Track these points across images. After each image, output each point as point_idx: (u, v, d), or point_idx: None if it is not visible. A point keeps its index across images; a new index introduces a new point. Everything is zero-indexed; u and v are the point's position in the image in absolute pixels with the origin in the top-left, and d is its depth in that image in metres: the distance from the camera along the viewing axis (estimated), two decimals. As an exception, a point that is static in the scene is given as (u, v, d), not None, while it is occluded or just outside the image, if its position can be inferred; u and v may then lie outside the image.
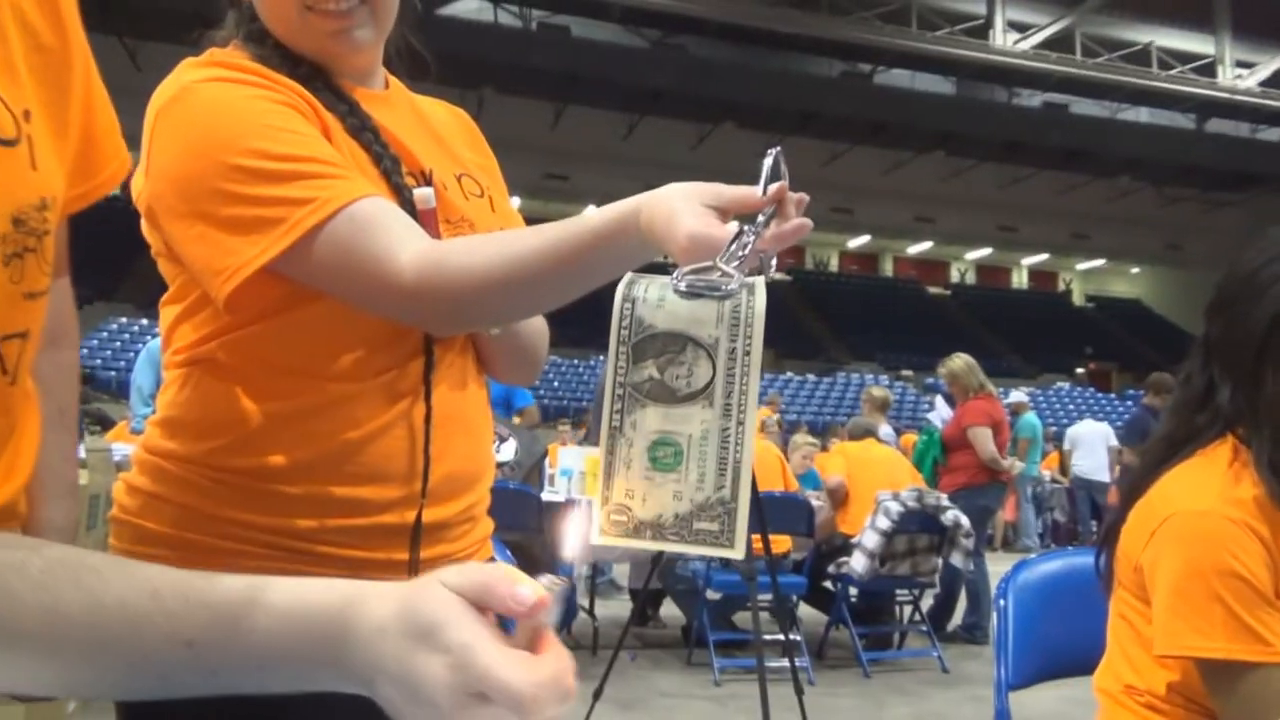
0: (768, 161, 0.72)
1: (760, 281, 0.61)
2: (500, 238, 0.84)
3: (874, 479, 4.80)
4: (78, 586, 0.48)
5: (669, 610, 5.27)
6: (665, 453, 0.58)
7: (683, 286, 0.60)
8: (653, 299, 0.60)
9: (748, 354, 0.58)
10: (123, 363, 17.06)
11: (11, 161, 0.61)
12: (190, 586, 0.49)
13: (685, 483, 0.58)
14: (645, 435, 0.59)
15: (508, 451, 4.20)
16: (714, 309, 0.59)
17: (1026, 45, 22.56)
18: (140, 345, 5.62)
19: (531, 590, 0.45)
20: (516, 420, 5.34)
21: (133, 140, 0.81)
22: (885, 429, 7.34)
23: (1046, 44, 22.66)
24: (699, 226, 0.69)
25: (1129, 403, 22.55)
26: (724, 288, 0.59)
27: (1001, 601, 1.46)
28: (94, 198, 0.75)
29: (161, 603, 0.48)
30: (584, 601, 4.90)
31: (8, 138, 0.61)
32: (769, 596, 3.80)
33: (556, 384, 20.35)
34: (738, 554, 0.58)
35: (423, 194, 0.93)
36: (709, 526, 0.58)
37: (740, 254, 0.63)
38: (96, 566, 0.49)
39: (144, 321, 19.85)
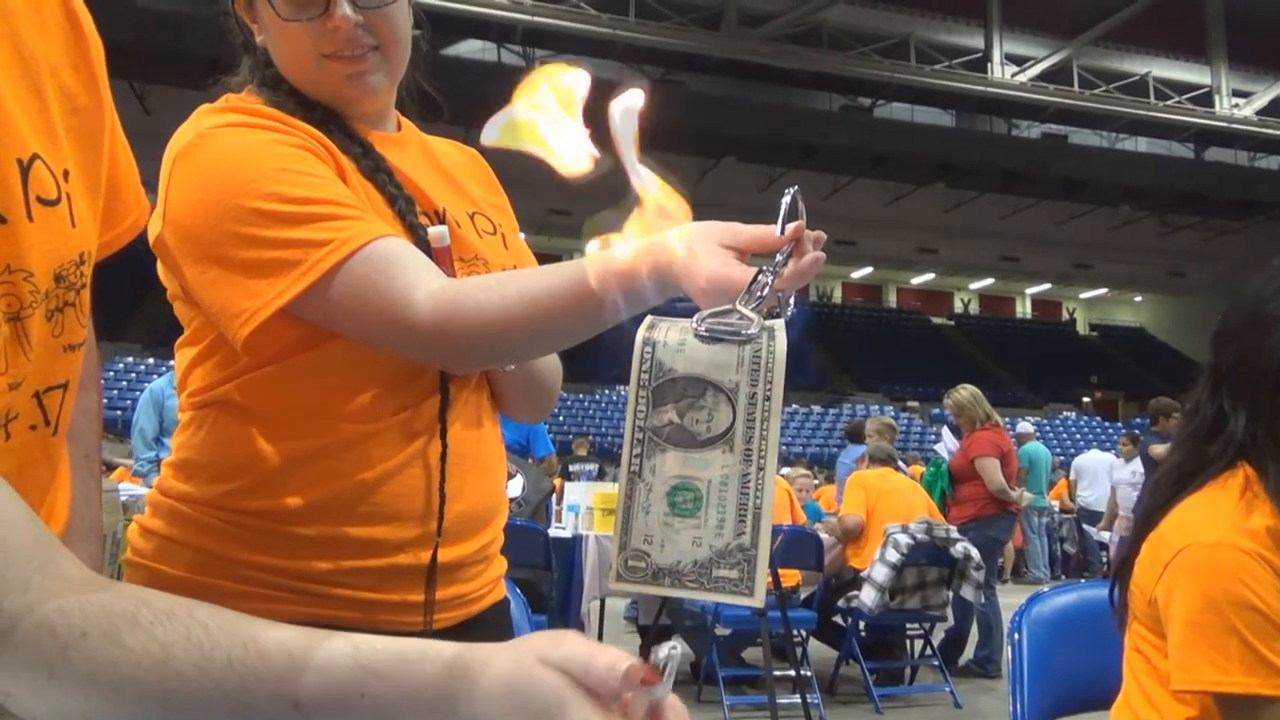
0: (786, 200, 0.72)
1: (780, 325, 0.61)
2: (516, 276, 0.84)
3: (891, 512, 4.73)
4: (188, 641, 0.48)
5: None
6: (685, 498, 0.58)
7: (703, 330, 0.60)
8: (673, 343, 0.60)
9: (768, 399, 0.58)
10: (129, 402, 17.06)
11: (54, 220, 0.63)
12: (297, 645, 0.49)
13: (705, 529, 0.58)
14: (664, 480, 0.58)
15: (515, 487, 4.18)
16: (734, 353, 0.59)
17: (1024, 77, 22.78)
18: (147, 385, 5.60)
19: (629, 667, 0.44)
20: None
21: (145, 183, 0.83)
22: None
23: (1044, 76, 22.88)
24: (717, 267, 0.70)
25: (1136, 432, 22.43)
26: (744, 332, 0.59)
27: (1015, 635, 1.45)
28: (118, 245, 0.77)
29: (269, 662, 0.48)
30: (592, 639, 4.85)
31: (50, 198, 0.62)
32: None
33: (561, 418, 20.33)
34: (757, 602, 0.57)
35: (437, 232, 0.94)
36: (728, 574, 0.57)
37: (760, 295, 0.64)
38: (204, 621, 0.50)
39: (150, 361, 19.91)
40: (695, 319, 0.61)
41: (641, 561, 0.58)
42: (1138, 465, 8.77)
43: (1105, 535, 10.16)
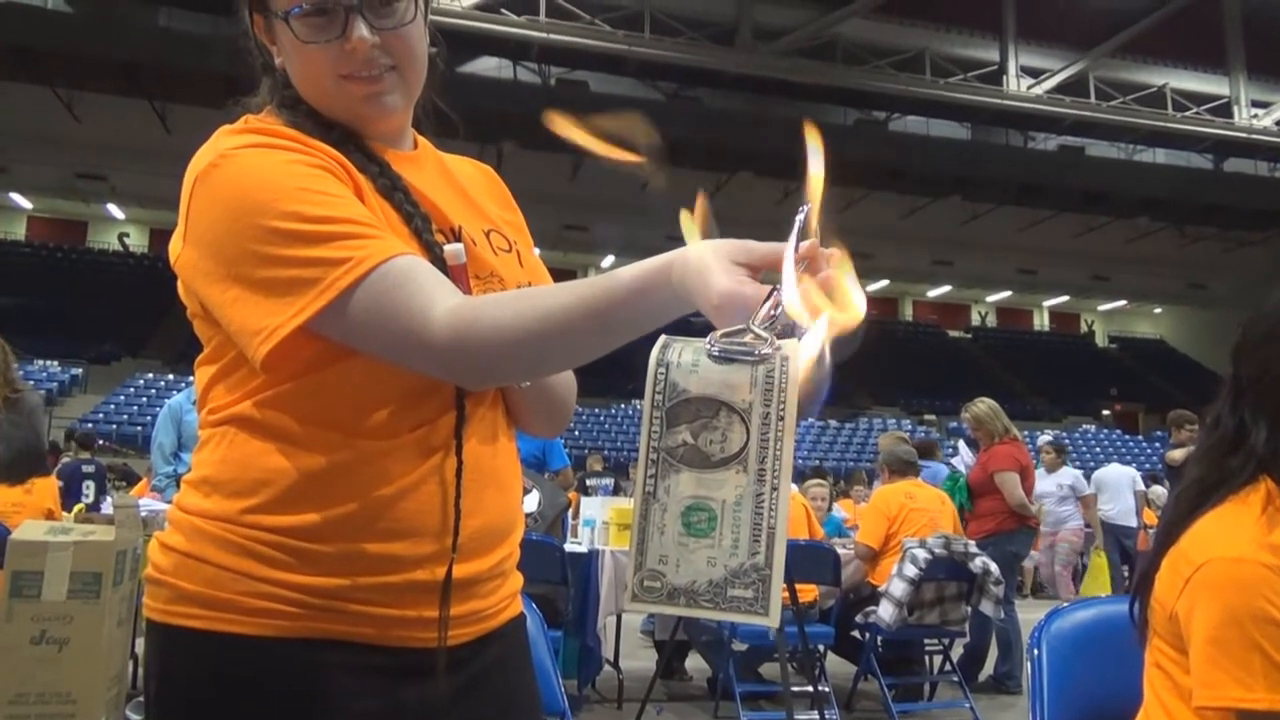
0: (799, 218, 0.73)
1: (794, 344, 0.61)
2: (533, 293, 0.85)
3: (916, 533, 4.65)
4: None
5: (694, 662, 5.20)
6: (699, 518, 0.58)
7: (716, 351, 0.60)
8: (686, 364, 0.60)
9: (781, 419, 0.59)
10: (149, 418, 17.20)
11: None
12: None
13: (719, 548, 0.58)
14: (679, 500, 0.59)
15: (531, 503, 4.19)
16: (748, 374, 0.59)
17: (1040, 90, 22.72)
18: (166, 401, 5.64)
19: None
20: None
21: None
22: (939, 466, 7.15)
23: (1060, 88, 22.80)
24: (731, 284, 0.70)
25: (1157, 444, 22.26)
26: (757, 352, 0.60)
27: (1035, 651, 1.44)
28: None
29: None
30: (609, 655, 4.85)
31: None
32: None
33: (577, 433, 20.34)
34: (772, 622, 0.57)
35: (453, 250, 0.95)
36: (743, 593, 0.58)
37: (773, 314, 0.64)
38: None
39: (170, 377, 20.07)
40: (708, 339, 0.61)
41: (657, 581, 0.59)
42: (1063, 477, 8.61)
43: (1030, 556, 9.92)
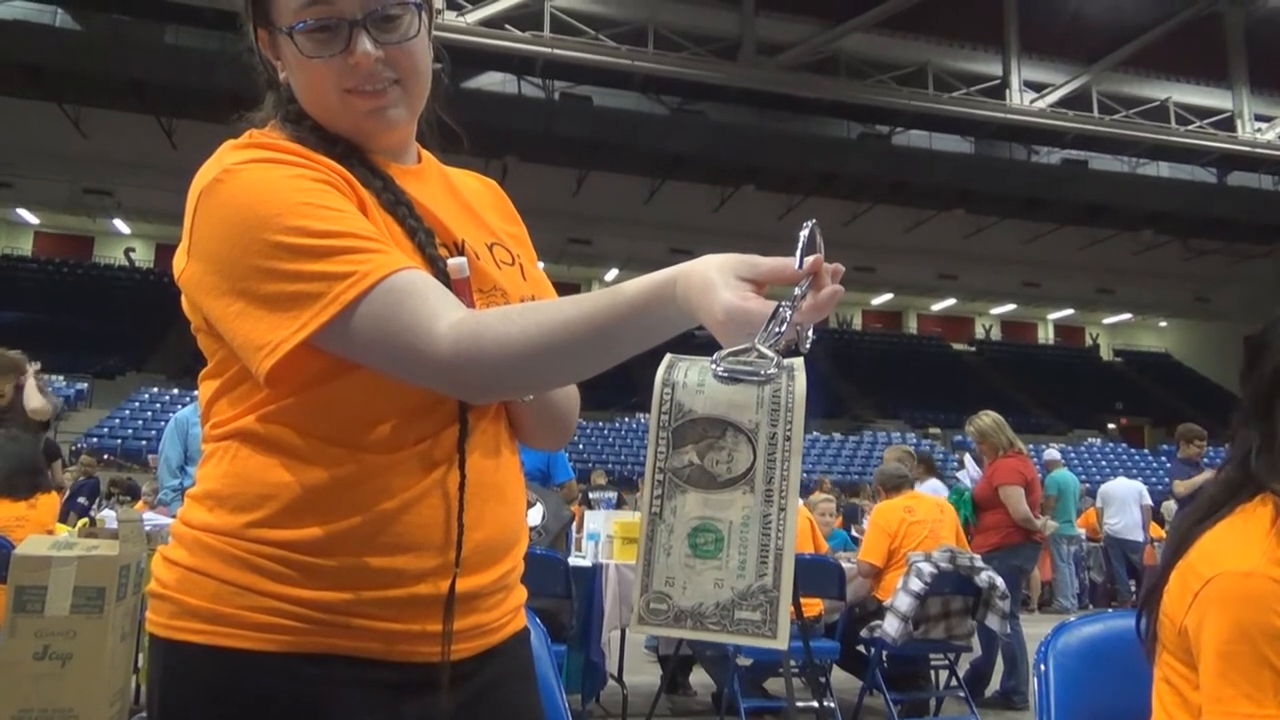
0: (803, 233, 0.72)
1: (800, 364, 0.61)
2: (537, 307, 0.85)
3: (919, 546, 4.63)
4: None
5: (699, 677, 5.17)
6: (706, 539, 0.58)
7: (722, 371, 0.60)
8: (692, 383, 0.60)
9: (788, 439, 0.58)
10: (153, 432, 17.24)
11: None
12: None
13: (726, 570, 0.57)
14: (686, 521, 0.58)
15: (535, 516, 4.17)
16: (754, 394, 0.59)
17: (1043, 104, 22.77)
18: (171, 415, 5.64)
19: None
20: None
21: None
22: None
23: (1063, 102, 22.87)
24: (735, 300, 0.69)
25: (1163, 458, 22.18)
26: (763, 372, 0.59)
27: (1042, 666, 1.43)
28: None
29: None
30: (613, 670, 4.82)
31: None
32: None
33: (581, 446, 20.32)
34: (780, 644, 0.56)
35: (456, 264, 0.95)
36: (750, 615, 0.57)
37: (778, 331, 0.63)
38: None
39: (174, 391, 20.10)
40: (714, 359, 0.61)
41: (664, 604, 0.58)
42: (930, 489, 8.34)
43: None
